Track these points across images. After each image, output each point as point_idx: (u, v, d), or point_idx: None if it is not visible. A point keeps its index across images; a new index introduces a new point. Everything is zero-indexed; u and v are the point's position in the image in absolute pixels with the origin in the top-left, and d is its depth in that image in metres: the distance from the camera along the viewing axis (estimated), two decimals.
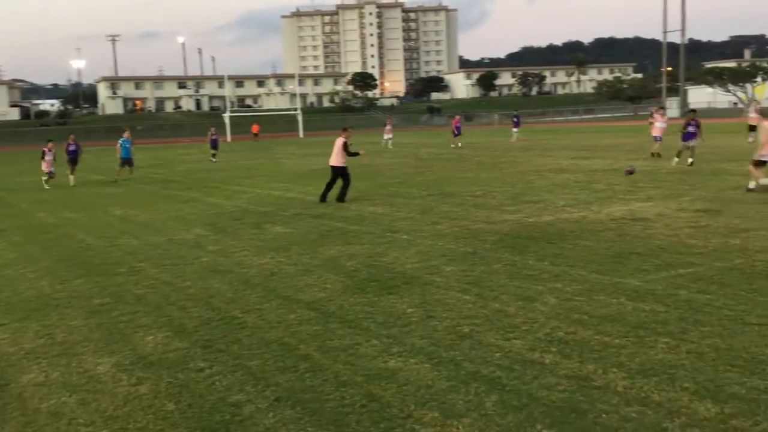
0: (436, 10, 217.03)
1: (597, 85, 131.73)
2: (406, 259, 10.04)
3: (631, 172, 19.58)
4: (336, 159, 16.81)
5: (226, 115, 79.21)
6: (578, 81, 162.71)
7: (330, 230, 12.81)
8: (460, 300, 7.76)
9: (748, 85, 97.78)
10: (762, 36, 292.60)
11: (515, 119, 44.09)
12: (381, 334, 6.69)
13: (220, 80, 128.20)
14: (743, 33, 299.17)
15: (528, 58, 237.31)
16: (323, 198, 16.85)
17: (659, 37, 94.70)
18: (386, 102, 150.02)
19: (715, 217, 12.30)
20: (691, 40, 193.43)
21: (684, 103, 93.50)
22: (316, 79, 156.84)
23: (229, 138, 71.82)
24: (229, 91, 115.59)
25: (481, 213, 14.19)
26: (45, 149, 25.28)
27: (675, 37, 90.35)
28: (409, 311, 7.40)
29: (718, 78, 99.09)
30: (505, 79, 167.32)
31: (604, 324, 6.66)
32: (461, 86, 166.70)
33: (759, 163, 15.87)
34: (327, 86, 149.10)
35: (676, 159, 22.58)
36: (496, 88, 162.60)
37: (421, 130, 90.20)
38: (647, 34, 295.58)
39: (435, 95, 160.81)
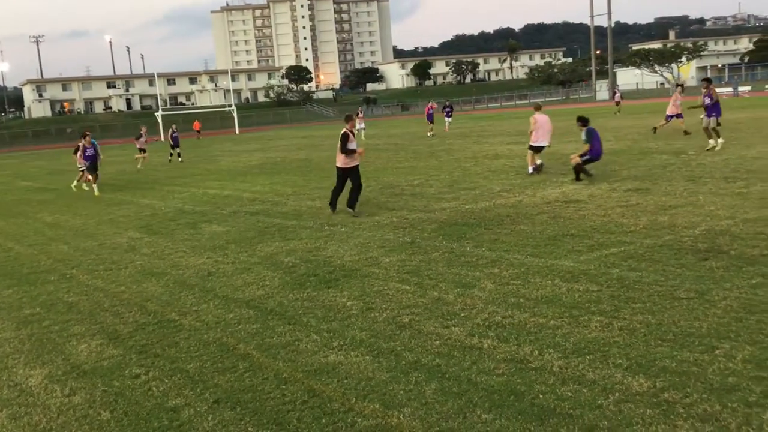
0: (368, 0, 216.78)
1: (529, 71, 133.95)
2: (345, 251, 10.02)
3: (537, 170, 19.02)
4: (339, 157, 13.49)
5: (159, 114, 77.54)
6: (511, 67, 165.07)
7: (268, 227, 12.69)
8: (399, 290, 7.78)
9: (674, 66, 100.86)
10: (685, 17, 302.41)
11: (448, 109, 44.09)
12: (321, 328, 6.66)
13: (150, 78, 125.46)
14: (667, 15, 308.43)
15: (461, 47, 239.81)
16: (333, 205, 13.74)
17: (587, 21, 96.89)
18: (322, 95, 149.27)
19: (644, 195, 12.64)
20: (617, 23, 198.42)
21: (613, 85, 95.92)
22: (250, 74, 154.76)
23: (162, 137, 70.34)
24: (160, 89, 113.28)
25: (419, 202, 14.26)
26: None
27: (602, 21, 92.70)
28: (348, 304, 7.39)
29: (644, 59, 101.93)
30: (440, 67, 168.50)
31: (539, 306, 6.77)
32: (396, 76, 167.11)
33: (536, 149, 17.49)
34: (261, 81, 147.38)
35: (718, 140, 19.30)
36: (431, 77, 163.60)
37: (359, 121, 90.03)
38: (575, 18, 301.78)
39: (370, 86, 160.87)
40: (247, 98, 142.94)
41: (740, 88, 66.28)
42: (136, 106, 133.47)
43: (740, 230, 9.21)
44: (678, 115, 25.06)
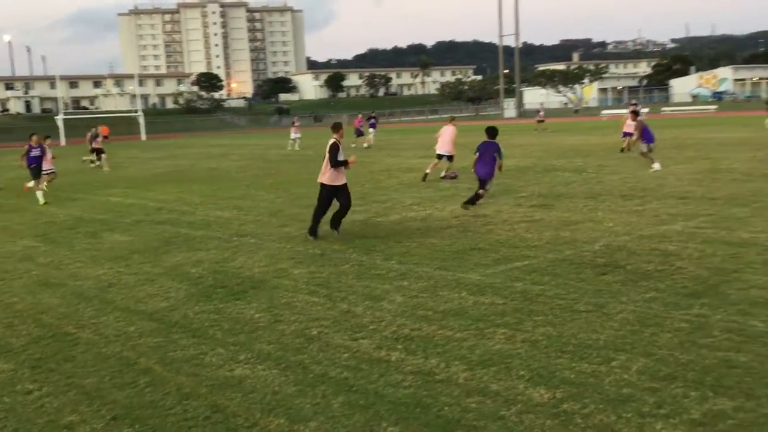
0: (282, 10, 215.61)
1: (440, 87, 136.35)
2: (254, 263, 9.87)
3: (453, 177, 19.35)
4: (325, 173, 11.49)
5: (59, 118, 74.48)
6: (423, 82, 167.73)
7: (174, 237, 12.36)
8: (308, 302, 7.73)
9: (577, 86, 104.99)
10: (588, 40, 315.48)
11: (372, 120, 43.24)
12: (227, 341, 6.52)
13: (51, 81, 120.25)
14: (572, 37, 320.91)
15: (374, 60, 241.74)
16: (314, 231, 11.54)
17: (496, 41, 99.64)
18: (234, 103, 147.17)
19: (547, 211, 13.06)
20: (525, 44, 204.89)
21: (520, 104, 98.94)
22: (158, 80, 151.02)
23: (63, 142, 67.54)
24: (62, 92, 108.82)
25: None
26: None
27: (510, 41, 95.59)
28: (256, 316, 7.28)
29: (549, 80, 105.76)
30: (353, 80, 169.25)
31: (447, 318, 6.87)
32: (309, 87, 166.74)
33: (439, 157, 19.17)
34: (170, 87, 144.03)
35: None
36: (344, 89, 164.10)
37: (271, 131, 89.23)
38: (485, 38, 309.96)
39: (283, 96, 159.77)
40: (155, 104, 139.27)
41: (642, 110, 69.57)
42: (36, 109, 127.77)
43: (636, 246, 9.64)
44: (627, 134, 26.12)
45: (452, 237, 11.06)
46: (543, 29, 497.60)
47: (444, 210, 13.93)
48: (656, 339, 5.98)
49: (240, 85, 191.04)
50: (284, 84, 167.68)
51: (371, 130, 41.97)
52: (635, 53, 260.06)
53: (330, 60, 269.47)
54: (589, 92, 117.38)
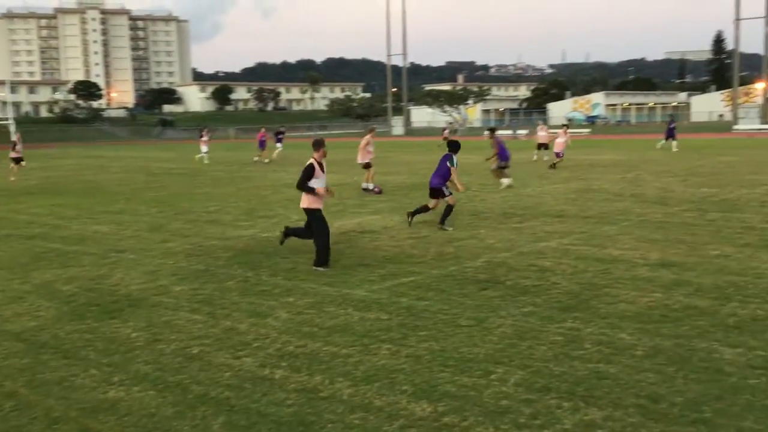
0: (166, 20, 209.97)
1: (329, 103, 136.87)
2: (132, 280, 9.50)
3: (379, 192, 19.56)
4: (303, 196, 10.20)
5: None
6: (312, 98, 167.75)
7: (45, 252, 11.71)
8: (189, 320, 7.51)
9: (461, 107, 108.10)
10: (473, 63, 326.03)
11: (280, 135, 41.23)
12: (101, 362, 6.23)
13: None
14: (457, 60, 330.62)
15: (263, 74, 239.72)
16: (327, 260, 10.09)
17: (385, 59, 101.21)
18: (114, 113, 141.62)
19: (433, 228, 13.31)
20: (412, 63, 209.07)
21: (408, 122, 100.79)
22: (32, 87, 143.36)
23: None
24: None
25: (215, 229, 13.93)
26: None
27: (399, 61, 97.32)
28: (133, 336, 6.99)
29: (436, 99, 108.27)
30: (241, 93, 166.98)
31: (332, 335, 6.86)
32: (195, 99, 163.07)
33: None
34: (45, 95, 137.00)
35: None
36: (232, 102, 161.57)
37: (154, 143, 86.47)
38: (374, 56, 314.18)
39: (167, 107, 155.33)
40: (28, 112, 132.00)
41: (519, 131, 72.46)
42: None
43: (515, 262, 9.99)
44: (546, 146, 27.23)
45: (339, 253, 11.07)
46: (430, 51, 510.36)
47: (331, 226, 13.88)
48: (533, 352, 6.21)
49: (121, 95, 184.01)
50: (169, 95, 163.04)
51: (278, 144, 40.98)
52: (516, 77, 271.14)
53: (217, 72, 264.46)
54: (473, 113, 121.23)
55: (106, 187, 24.07)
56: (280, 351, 6.42)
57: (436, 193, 13.40)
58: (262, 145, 38.11)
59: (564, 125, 31.22)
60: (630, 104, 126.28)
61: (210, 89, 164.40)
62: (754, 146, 38.88)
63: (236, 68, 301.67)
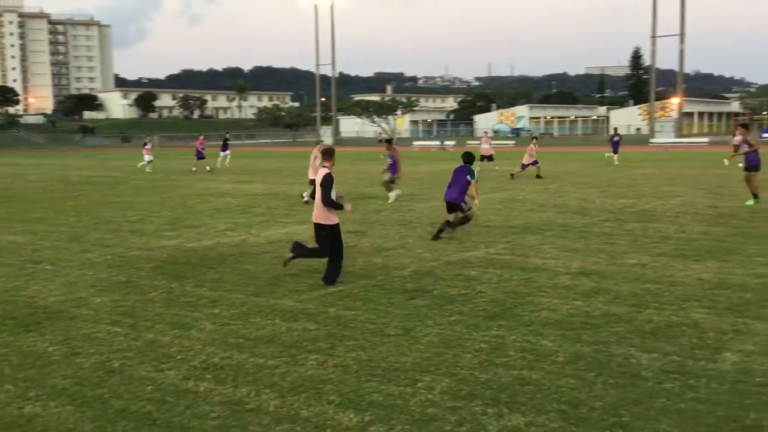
0: (87, 24, 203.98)
1: (257, 112, 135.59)
2: (50, 292, 9.16)
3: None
4: (318, 211, 9.47)
5: None
6: (239, 106, 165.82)
7: None
8: (110, 333, 7.30)
9: (390, 118, 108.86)
10: (401, 74, 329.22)
11: (226, 142, 38.74)
12: (16, 377, 5.98)
13: None
14: (386, 71, 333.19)
15: (188, 81, 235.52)
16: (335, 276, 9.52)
17: (314, 69, 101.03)
18: (32, 119, 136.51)
19: (361, 238, 13.35)
20: (341, 73, 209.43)
21: (337, 132, 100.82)
22: None
23: None
24: None
25: (138, 239, 13.59)
26: None
27: (327, 70, 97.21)
28: (50, 349, 6.74)
29: (364, 110, 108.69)
30: (165, 100, 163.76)
31: (259, 346, 6.78)
32: (117, 106, 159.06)
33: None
34: None
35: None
36: (156, 110, 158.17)
37: (74, 151, 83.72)
38: (303, 66, 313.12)
39: (88, 114, 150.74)
40: None
41: (446, 143, 73.43)
42: None
43: (443, 272, 10.11)
44: (534, 163, 27.37)
45: (267, 263, 10.97)
46: (359, 61, 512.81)
47: (259, 236, 13.79)
48: (459, 360, 6.29)
49: (39, 101, 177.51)
50: (90, 101, 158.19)
51: (222, 152, 38.31)
52: (443, 89, 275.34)
53: (141, 78, 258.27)
54: (402, 123, 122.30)
55: (22, 196, 23.16)
56: (205, 363, 6.30)
57: (454, 208, 12.94)
58: (200, 154, 36.62)
59: (534, 137, 31.89)
60: (553, 117, 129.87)
61: (133, 96, 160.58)
62: (670, 159, 40.55)
63: (161, 75, 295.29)
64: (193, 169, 35.96)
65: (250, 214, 17.48)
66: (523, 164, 27.94)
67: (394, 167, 19.97)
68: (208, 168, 35.33)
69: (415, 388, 5.63)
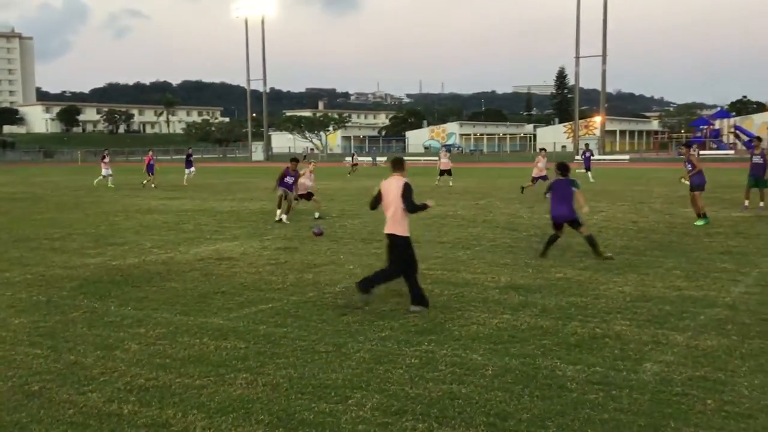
0: (8, 36, 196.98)
1: (186, 127, 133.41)
2: None
3: (319, 234, 17.49)
4: (395, 222, 8.94)
5: None
6: (168, 121, 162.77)
7: None
8: (29, 355, 7.02)
9: (322, 133, 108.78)
10: (333, 90, 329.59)
11: (190, 157, 38.51)
12: None
13: None
14: (317, 86, 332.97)
15: (114, 95, 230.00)
16: (425, 300, 8.91)
17: (244, 84, 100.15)
18: None
19: (292, 254, 13.26)
20: (272, 89, 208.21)
21: (268, 148, 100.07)
22: None
23: None
24: None
25: (59, 257, 13.14)
26: None
27: (258, 86, 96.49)
28: None
29: (296, 125, 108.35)
30: (90, 114, 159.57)
31: (186, 366, 6.63)
32: (39, 120, 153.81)
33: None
34: None
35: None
36: (80, 124, 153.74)
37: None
38: (233, 81, 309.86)
39: (8, 128, 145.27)
40: None
41: (378, 158, 73.91)
42: None
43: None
44: (543, 177, 26.22)
45: (195, 281, 10.77)
46: (290, 76, 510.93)
47: (187, 253, 13.53)
48: (390, 375, 6.30)
49: None
50: (10, 115, 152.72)
51: (187, 169, 37.88)
52: (375, 105, 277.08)
53: (64, 92, 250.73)
54: (334, 139, 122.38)
55: None
56: (129, 385, 6.13)
57: (573, 223, 12.43)
58: (151, 169, 35.52)
59: (542, 149, 30.99)
60: (482, 134, 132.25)
61: (56, 110, 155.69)
62: (593, 175, 41.79)
63: (85, 88, 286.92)
64: (144, 182, 35.04)
65: (178, 230, 17.14)
66: (533, 177, 27.18)
67: (291, 186, 19.26)
68: (153, 185, 34.55)
69: (345, 405, 5.61)
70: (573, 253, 12.88)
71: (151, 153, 37.48)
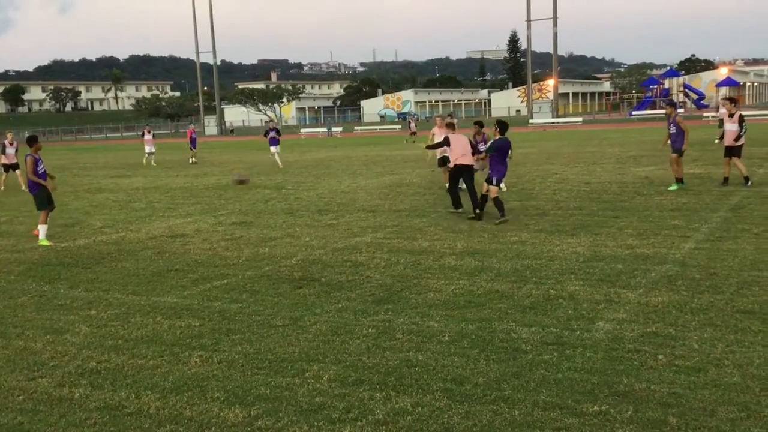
0: None
1: (136, 102, 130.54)
2: None
3: (242, 182, 16.84)
4: (469, 158, 13.39)
5: None
6: (116, 98, 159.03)
7: None
8: None
9: (276, 105, 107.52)
10: (285, 61, 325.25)
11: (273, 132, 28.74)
12: None
13: None
14: (270, 58, 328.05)
15: (59, 73, 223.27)
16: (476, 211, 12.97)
17: (193, 57, 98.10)
18: None
19: (247, 228, 13.11)
20: (223, 61, 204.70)
21: (221, 121, 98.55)
22: None
23: None
24: None
25: (6, 241, 12.79)
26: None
27: (208, 58, 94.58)
28: None
29: (249, 98, 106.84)
30: (36, 93, 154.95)
31: (139, 347, 6.52)
32: None
33: None
34: None
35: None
36: (25, 104, 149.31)
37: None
38: (182, 54, 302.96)
39: None
40: None
41: (334, 129, 73.40)
42: None
43: (330, 259, 10.07)
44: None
45: (148, 259, 10.58)
46: (241, 48, 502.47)
47: (139, 231, 13.28)
48: (347, 346, 6.28)
49: None
50: None
51: (275, 147, 32.28)
52: (329, 75, 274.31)
53: (7, 71, 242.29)
54: (288, 111, 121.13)
55: None
56: (80, 368, 5.99)
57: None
58: (194, 143, 33.47)
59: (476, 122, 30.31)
60: (437, 101, 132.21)
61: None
62: (548, 138, 42.20)
63: (29, 67, 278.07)
64: (191, 160, 32.93)
65: (129, 209, 16.81)
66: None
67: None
68: (192, 159, 32.99)
69: (302, 378, 5.57)
70: (528, 216, 12.98)
71: (192, 127, 35.49)
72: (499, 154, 12.68)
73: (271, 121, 33.83)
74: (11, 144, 23.04)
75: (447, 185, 14.81)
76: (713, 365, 5.48)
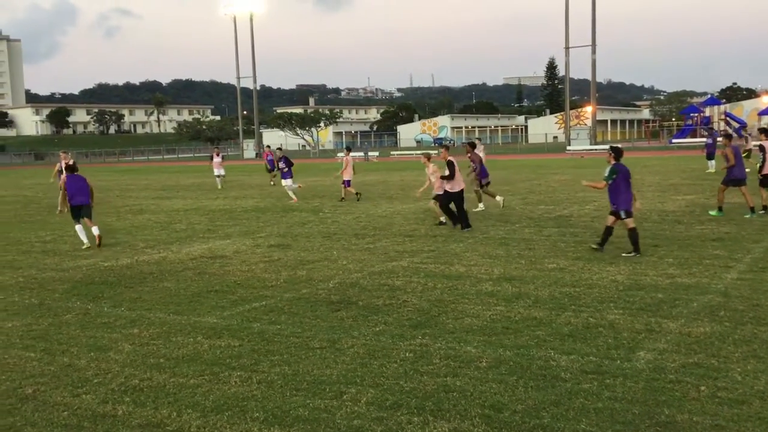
0: None
1: (177, 126, 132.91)
2: None
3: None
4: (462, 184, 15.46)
5: None
6: (158, 121, 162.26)
7: None
8: (22, 358, 7.00)
9: (314, 130, 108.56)
10: (323, 86, 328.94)
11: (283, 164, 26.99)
12: None
13: None
14: (308, 83, 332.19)
15: (104, 96, 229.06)
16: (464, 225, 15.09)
17: (234, 81, 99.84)
18: None
19: (285, 251, 13.24)
20: (263, 86, 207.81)
21: (260, 145, 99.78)
22: None
23: None
24: None
25: (51, 260, 13.09)
26: None
27: (248, 83, 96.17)
28: None
29: (287, 122, 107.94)
30: (80, 116, 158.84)
31: (180, 365, 6.62)
32: (29, 122, 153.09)
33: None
34: None
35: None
36: (70, 126, 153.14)
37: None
38: (223, 78, 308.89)
39: None
40: None
41: (370, 153, 73.80)
42: None
43: (367, 282, 10.12)
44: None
45: (188, 280, 10.75)
46: (280, 73, 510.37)
47: (180, 252, 13.50)
48: (384, 370, 6.30)
49: None
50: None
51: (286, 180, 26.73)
52: (366, 100, 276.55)
53: (54, 94, 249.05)
54: (325, 135, 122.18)
55: None
56: (123, 385, 6.11)
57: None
58: (272, 164, 31.91)
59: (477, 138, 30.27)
60: (474, 127, 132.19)
61: (46, 112, 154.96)
62: (585, 165, 41.85)
63: (75, 89, 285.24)
64: (272, 183, 31.54)
65: (170, 230, 17.10)
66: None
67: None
68: (272, 182, 31.71)
69: (340, 400, 5.61)
70: (566, 243, 12.89)
71: (268, 148, 34.34)
72: (621, 180, 11.74)
73: (279, 149, 28.94)
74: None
75: (441, 217, 15.98)
76: (757, 398, 5.38)
